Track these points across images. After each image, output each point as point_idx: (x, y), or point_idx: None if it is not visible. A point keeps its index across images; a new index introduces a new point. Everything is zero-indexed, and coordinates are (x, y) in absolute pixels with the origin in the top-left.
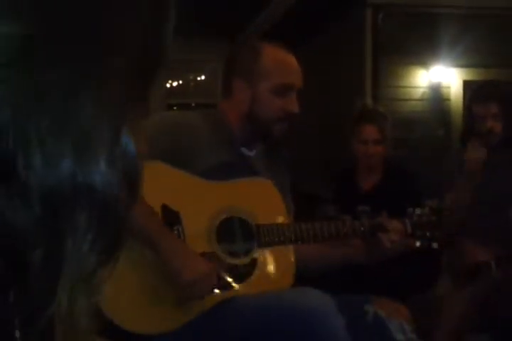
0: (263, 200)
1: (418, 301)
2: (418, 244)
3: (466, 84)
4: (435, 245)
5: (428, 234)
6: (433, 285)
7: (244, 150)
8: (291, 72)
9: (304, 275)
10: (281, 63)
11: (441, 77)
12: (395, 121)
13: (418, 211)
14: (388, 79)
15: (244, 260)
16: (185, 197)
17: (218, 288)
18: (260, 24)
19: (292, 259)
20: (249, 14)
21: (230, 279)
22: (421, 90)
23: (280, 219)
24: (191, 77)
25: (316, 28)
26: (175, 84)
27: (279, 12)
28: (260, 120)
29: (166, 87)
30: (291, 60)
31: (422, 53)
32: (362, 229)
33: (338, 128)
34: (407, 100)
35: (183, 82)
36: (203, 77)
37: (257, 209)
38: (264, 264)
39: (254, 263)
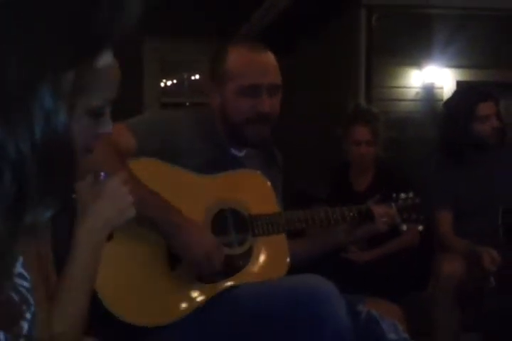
0: (254, 191)
1: (412, 301)
2: (405, 227)
3: (460, 85)
4: (420, 228)
5: (413, 216)
6: (427, 286)
7: (233, 150)
8: (258, 72)
9: (296, 266)
10: (246, 64)
11: (434, 77)
12: (388, 121)
13: (402, 195)
14: (382, 79)
15: (240, 250)
16: (179, 192)
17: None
18: (255, 24)
19: (286, 247)
20: (244, 14)
21: (227, 269)
22: (414, 90)
23: (272, 209)
24: (185, 76)
25: (311, 29)
26: (169, 83)
27: (273, 12)
28: (231, 123)
29: (160, 86)
30: (260, 59)
31: (416, 54)
32: (351, 214)
33: (332, 129)
34: (400, 100)
35: (177, 81)
36: (197, 77)
37: (249, 200)
38: (260, 253)
39: (249, 252)
